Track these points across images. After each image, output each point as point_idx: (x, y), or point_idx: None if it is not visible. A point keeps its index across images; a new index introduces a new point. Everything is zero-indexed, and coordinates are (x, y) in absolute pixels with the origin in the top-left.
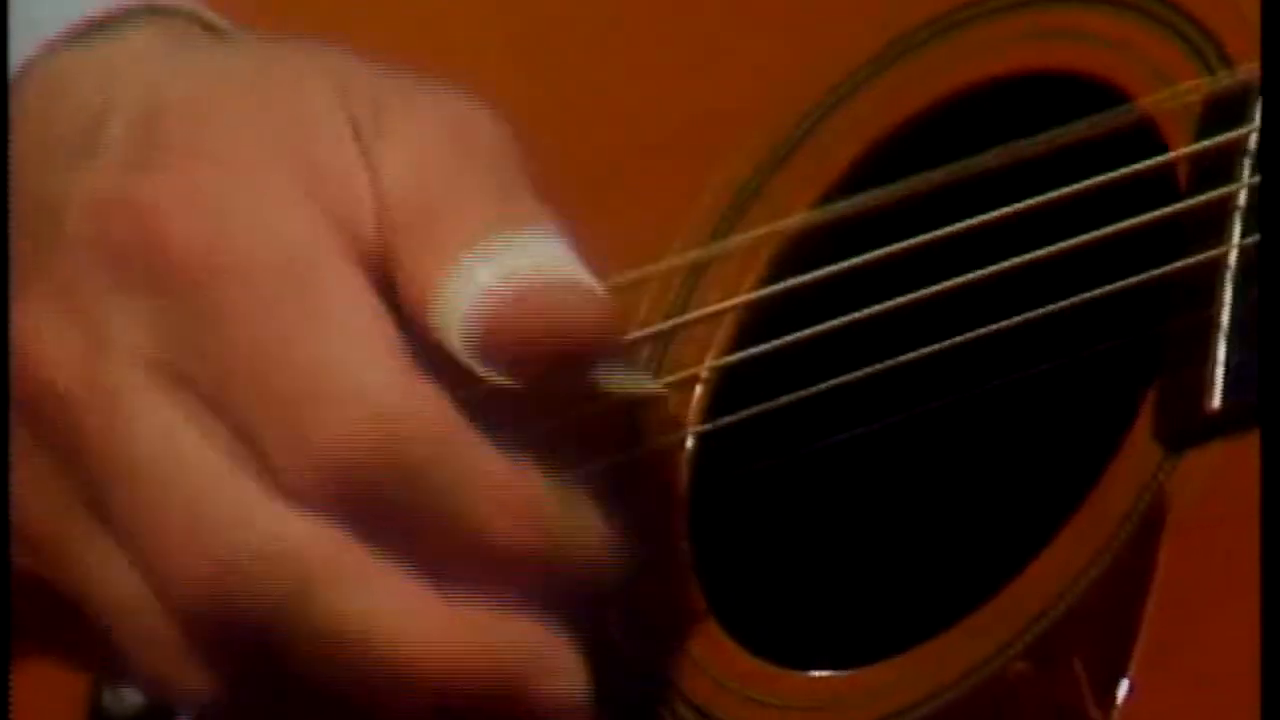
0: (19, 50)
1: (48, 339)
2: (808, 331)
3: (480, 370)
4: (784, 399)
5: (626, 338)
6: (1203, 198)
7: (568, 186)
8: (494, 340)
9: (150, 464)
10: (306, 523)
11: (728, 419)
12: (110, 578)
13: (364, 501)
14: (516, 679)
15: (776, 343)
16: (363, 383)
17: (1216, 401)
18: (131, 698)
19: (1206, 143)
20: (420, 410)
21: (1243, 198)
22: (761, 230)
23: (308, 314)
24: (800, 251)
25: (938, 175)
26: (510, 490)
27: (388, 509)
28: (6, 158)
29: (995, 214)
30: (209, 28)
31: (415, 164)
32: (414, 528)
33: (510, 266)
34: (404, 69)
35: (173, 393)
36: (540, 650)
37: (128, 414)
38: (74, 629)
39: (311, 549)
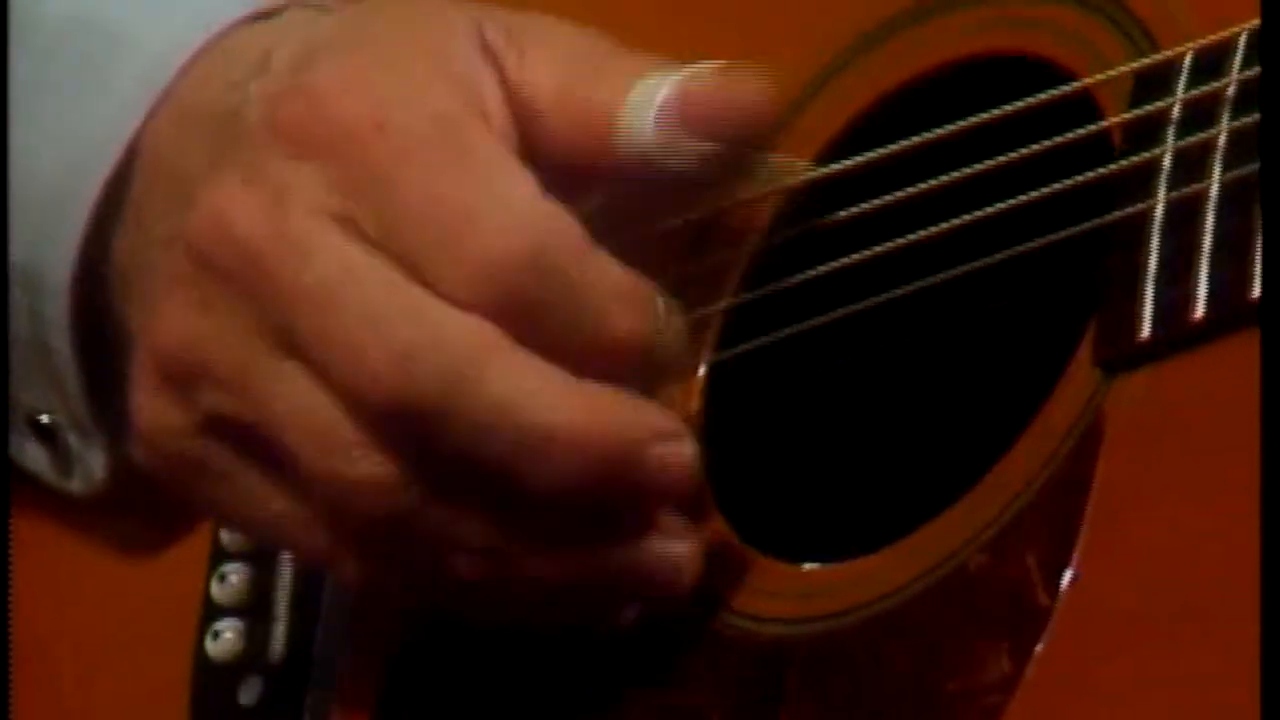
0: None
1: (236, 205)
2: (804, 275)
3: (668, 160)
4: (785, 330)
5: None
6: (1133, 159)
7: None
8: (691, 120)
9: (333, 288)
10: (465, 318)
11: (739, 349)
12: (299, 396)
13: (512, 301)
14: (635, 445)
15: (782, 286)
16: (508, 205)
17: (1145, 332)
18: (230, 643)
19: (1136, 112)
20: (555, 226)
21: (1167, 159)
22: (765, 190)
23: (456, 160)
24: (800, 202)
25: (916, 140)
26: (628, 289)
27: (532, 307)
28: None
29: (962, 173)
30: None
31: (560, 68)
32: (553, 323)
33: (682, 80)
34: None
35: (346, 232)
36: (653, 422)
37: (310, 251)
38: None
39: (470, 338)
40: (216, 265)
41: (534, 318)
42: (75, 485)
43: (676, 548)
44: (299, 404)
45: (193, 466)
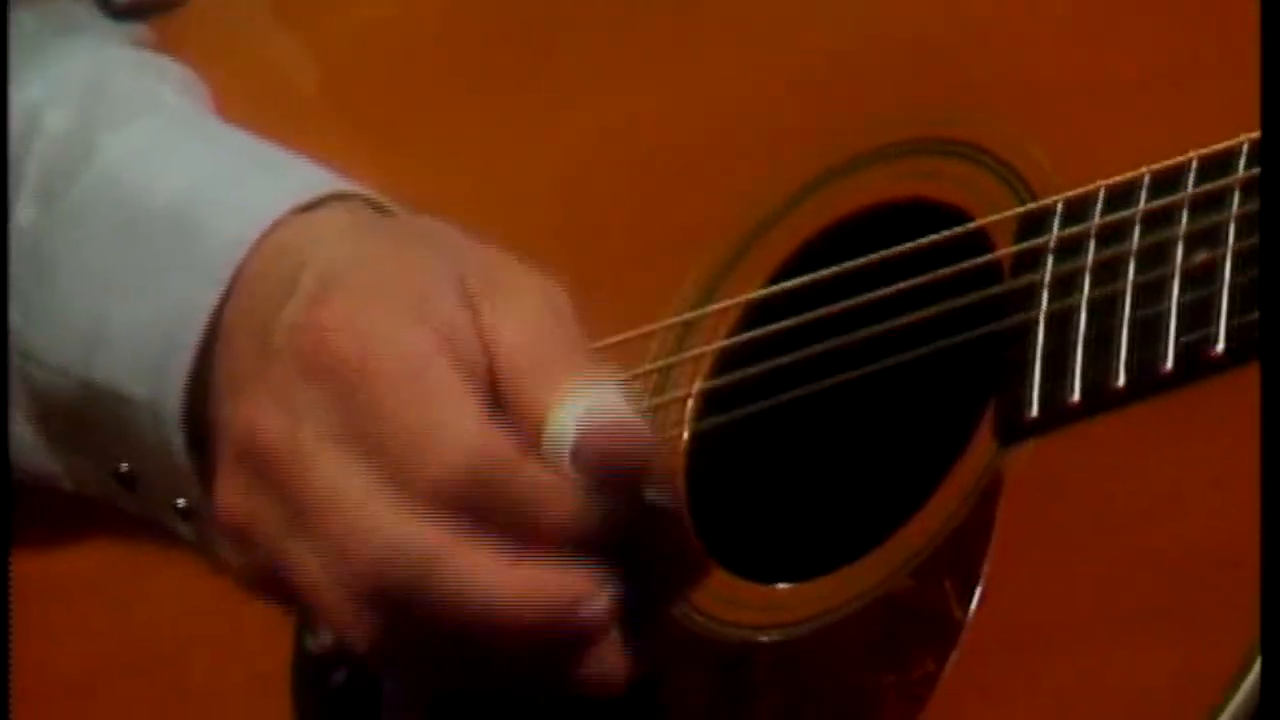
0: None
1: (263, 418)
2: (767, 365)
3: (581, 476)
4: (753, 407)
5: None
6: (1019, 280)
7: (592, 283)
8: (597, 453)
9: (327, 496)
10: (422, 527)
11: (714, 420)
12: (306, 568)
13: (461, 506)
14: (566, 607)
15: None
16: (453, 433)
17: (1033, 413)
18: (324, 638)
19: (1019, 247)
20: (490, 447)
21: (1046, 280)
22: (729, 301)
23: (418, 394)
24: (755, 314)
25: (851, 265)
26: (553, 485)
27: (478, 509)
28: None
29: (889, 290)
30: (377, 207)
31: (527, 325)
32: (497, 518)
33: (598, 403)
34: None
35: (340, 451)
36: (581, 587)
37: (313, 466)
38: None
39: (426, 543)
40: (249, 462)
41: (481, 515)
42: (216, 549)
43: (606, 667)
44: (308, 576)
45: (262, 591)
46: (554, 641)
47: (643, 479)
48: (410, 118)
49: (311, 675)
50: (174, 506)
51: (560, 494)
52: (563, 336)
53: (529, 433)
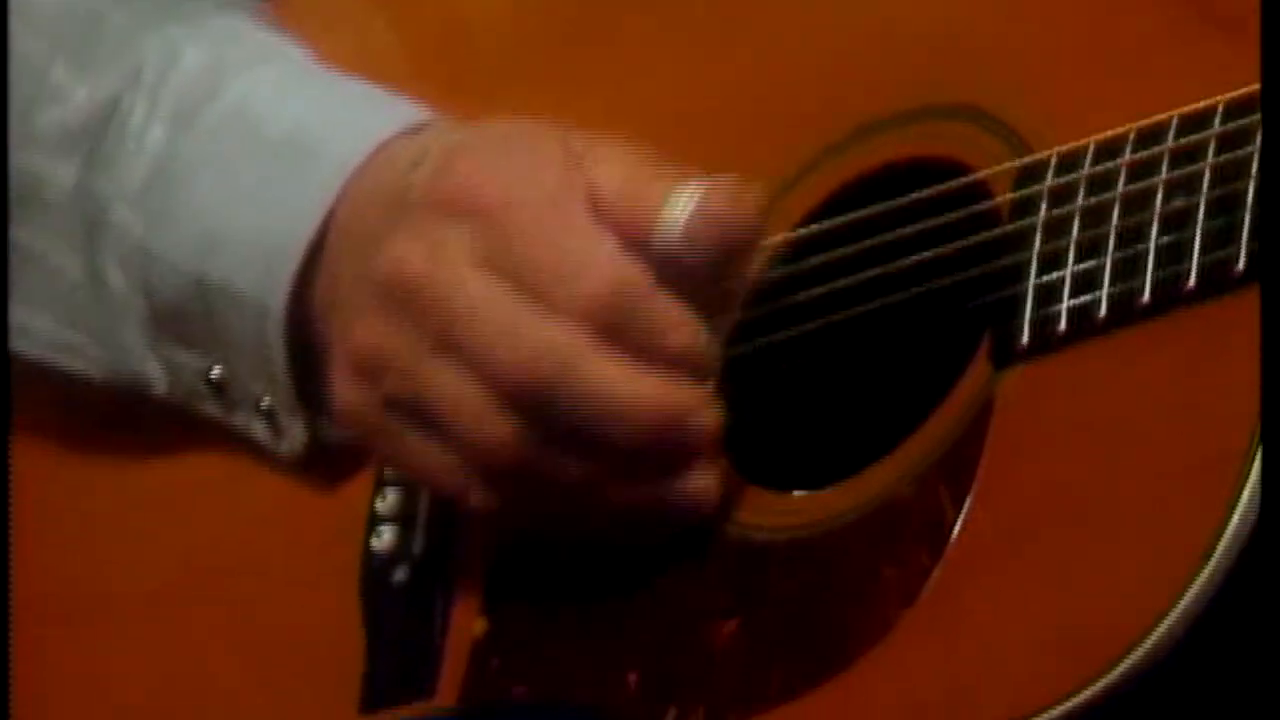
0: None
1: (408, 252)
2: (792, 299)
3: (683, 270)
4: (781, 335)
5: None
6: (1013, 226)
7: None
8: (712, 219)
9: (476, 306)
10: (569, 327)
11: (745, 347)
12: (451, 382)
13: (601, 319)
14: (680, 413)
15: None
16: (597, 257)
17: (1024, 341)
18: (387, 538)
19: (1017, 194)
20: (628, 273)
21: (1039, 226)
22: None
23: (561, 225)
24: (783, 257)
25: (865, 213)
26: (677, 317)
27: (615, 324)
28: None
29: (896, 234)
30: None
31: (622, 166)
32: (629, 335)
33: (696, 193)
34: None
35: (485, 270)
36: (692, 400)
37: (459, 283)
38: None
39: (572, 341)
40: (395, 294)
41: (617, 330)
42: (284, 450)
43: (703, 481)
44: (452, 387)
45: (375, 430)
46: (667, 446)
47: (749, 242)
48: (485, 90)
49: (377, 574)
50: (257, 406)
51: (684, 321)
52: (654, 168)
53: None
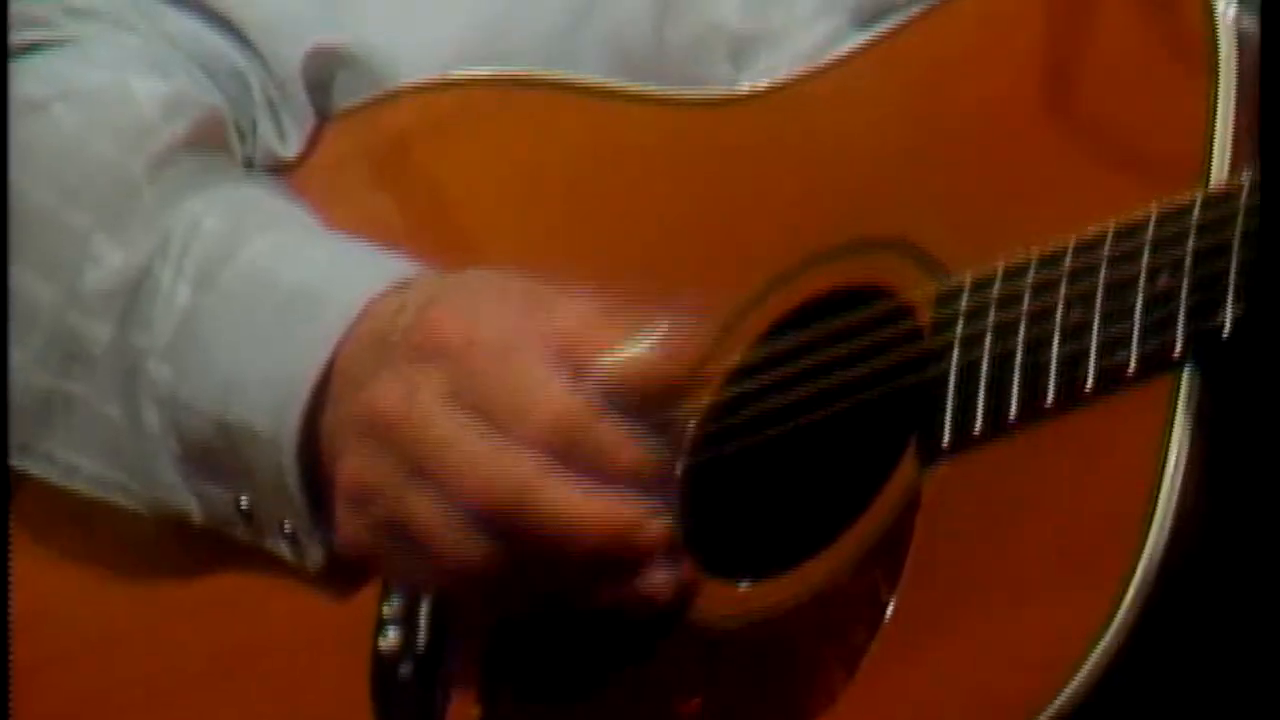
0: None
1: (384, 392)
2: (748, 413)
3: (626, 400)
4: (732, 445)
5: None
6: (934, 341)
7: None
8: (652, 371)
9: (446, 440)
10: (527, 454)
11: (703, 457)
12: (423, 508)
13: (552, 446)
14: (631, 529)
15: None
16: (546, 392)
17: (946, 440)
18: (393, 638)
19: (937, 313)
20: (574, 403)
21: (957, 340)
22: (714, 368)
23: (514, 364)
24: (737, 376)
25: (806, 334)
26: (622, 439)
27: (565, 449)
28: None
29: (835, 352)
30: None
31: (586, 314)
32: (579, 458)
33: (640, 344)
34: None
35: (453, 406)
36: (641, 516)
37: (430, 419)
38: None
39: (530, 466)
40: (376, 430)
41: (568, 455)
42: (308, 565)
43: (659, 581)
44: (428, 513)
45: (368, 548)
46: (619, 556)
47: (680, 393)
48: (466, 247)
49: (384, 670)
50: (281, 530)
51: (628, 442)
52: (608, 316)
53: (598, 377)
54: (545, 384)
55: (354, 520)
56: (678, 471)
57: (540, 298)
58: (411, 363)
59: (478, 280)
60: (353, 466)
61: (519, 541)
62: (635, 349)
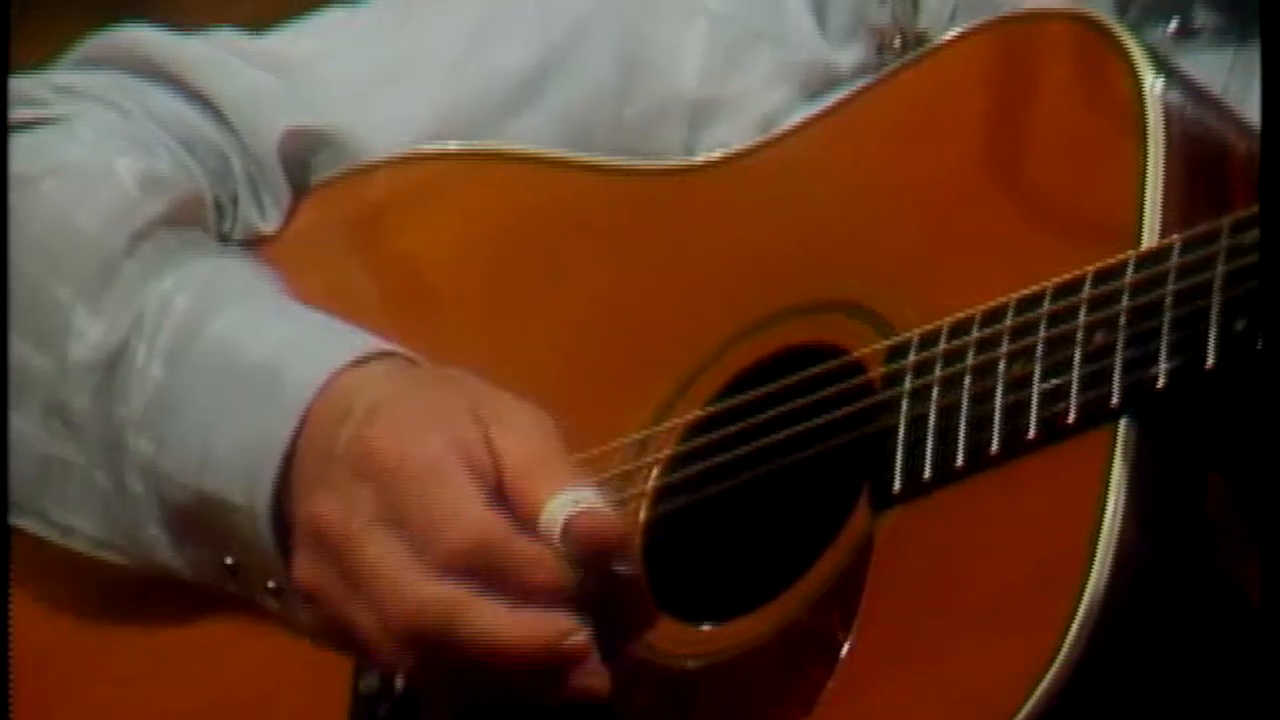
0: None
1: (326, 509)
2: (703, 465)
3: (567, 553)
4: (691, 496)
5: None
6: (884, 395)
7: (575, 412)
8: (580, 537)
9: (374, 565)
10: (444, 585)
11: (666, 507)
12: (361, 621)
13: (470, 571)
14: (555, 642)
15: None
16: (464, 518)
17: (897, 488)
18: (372, 682)
19: (887, 369)
20: (492, 529)
21: (905, 394)
22: (676, 421)
23: (437, 488)
24: (695, 431)
25: (764, 390)
26: (540, 557)
27: (483, 573)
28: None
29: (790, 406)
30: (410, 362)
31: (523, 440)
32: (499, 579)
33: (579, 498)
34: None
35: (382, 530)
36: (564, 627)
37: (363, 543)
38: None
39: (449, 597)
40: (320, 541)
41: (487, 575)
42: (300, 618)
43: (589, 682)
44: (368, 625)
45: (325, 634)
46: (548, 666)
47: (613, 554)
48: (439, 316)
49: (363, 711)
50: (266, 587)
51: (544, 560)
52: (551, 449)
53: (527, 519)
54: (461, 507)
55: (308, 611)
56: (641, 519)
57: (489, 417)
58: (349, 481)
59: (423, 391)
60: (303, 567)
61: (448, 659)
62: (569, 512)
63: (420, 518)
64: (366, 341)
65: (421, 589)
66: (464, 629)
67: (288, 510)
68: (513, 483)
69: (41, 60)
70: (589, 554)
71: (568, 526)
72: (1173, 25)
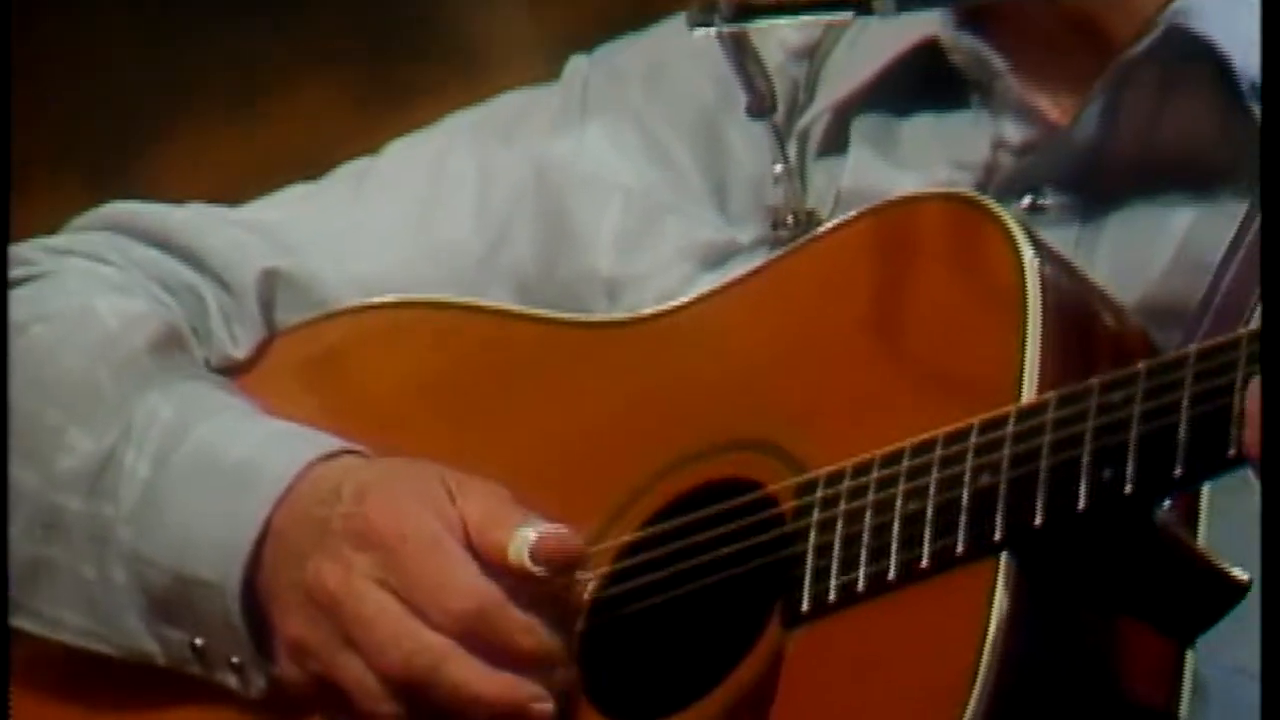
0: None
1: (326, 572)
2: (631, 584)
3: (535, 570)
4: (621, 611)
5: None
6: (793, 526)
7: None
8: (544, 554)
9: (374, 618)
10: (439, 638)
11: (599, 620)
12: (353, 670)
13: (463, 630)
14: (527, 703)
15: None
16: (462, 582)
17: (805, 607)
18: None
19: (797, 502)
20: (486, 593)
21: (812, 526)
22: (611, 542)
23: (436, 556)
24: (628, 551)
25: (687, 519)
26: (526, 625)
27: (474, 633)
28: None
29: (710, 534)
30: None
31: (480, 502)
32: (487, 640)
33: (534, 529)
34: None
35: (382, 589)
36: (536, 692)
37: (363, 597)
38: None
39: (441, 648)
40: (317, 600)
41: (477, 636)
42: (253, 693)
43: None
44: (355, 675)
45: (305, 690)
46: None
47: (577, 564)
48: (392, 449)
49: None
50: (230, 663)
51: (530, 627)
52: (503, 502)
53: (499, 563)
54: (460, 575)
55: (294, 668)
56: (579, 629)
57: (452, 493)
58: (351, 549)
59: (400, 473)
60: (296, 626)
61: (430, 707)
62: (529, 542)
63: (424, 583)
64: (333, 441)
65: (419, 635)
66: (450, 677)
67: (260, 585)
68: (478, 538)
69: (38, 232)
70: (559, 566)
71: (534, 550)
72: (1025, 202)
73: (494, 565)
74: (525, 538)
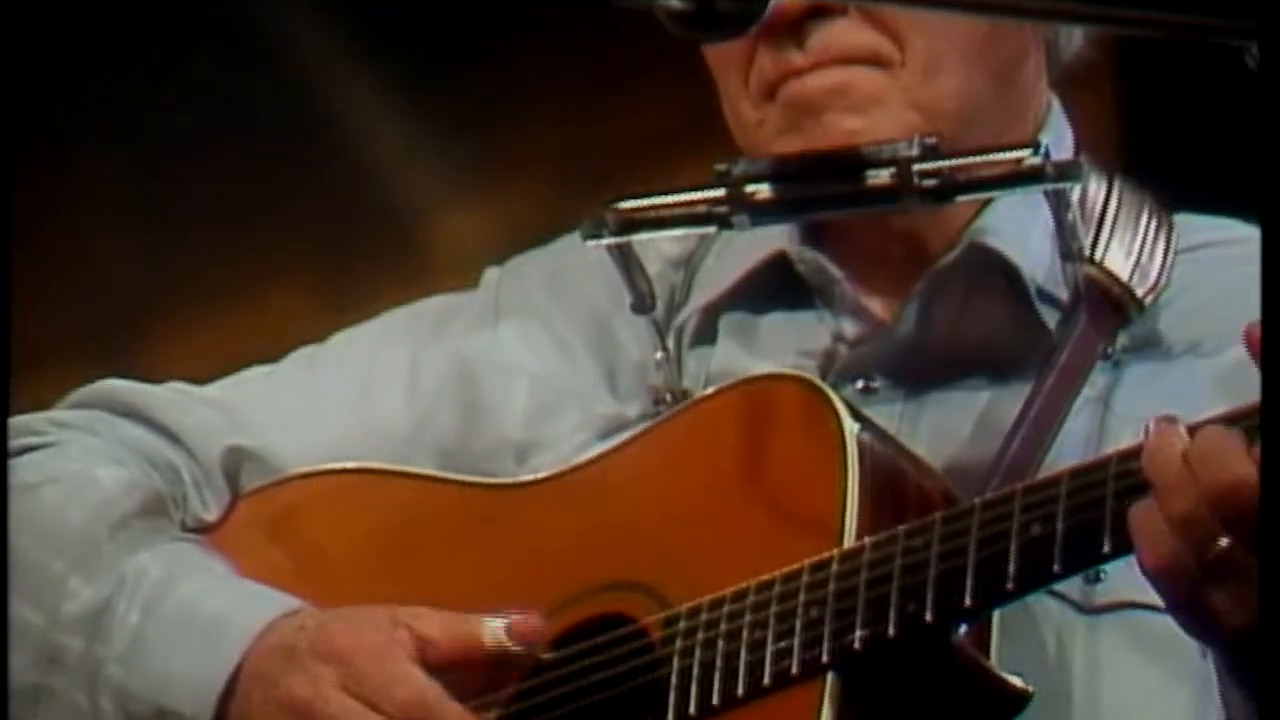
0: None
1: (298, 684)
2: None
3: (515, 648)
4: None
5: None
6: (660, 653)
7: None
8: (518, 631)
9: (337, 714)
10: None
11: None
12: None
13: (406, 715)
14: None
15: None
16: (411, 685)
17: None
18: None
19: (664, 633)
20: (428, 694)
21: (677, 652)
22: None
23: (386, 667)
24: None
25: (569, 650)
26: (462, 713)
27: (418, 717)
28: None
29: (587, 662)
30: None
31: (440, 617)
32: None
33: (498, 620)
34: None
35: (343, 692)
36: None
37: (329, 699)
38: None
39: None
40: (291, 708)
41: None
42: None
43: None
44: None
45: None
46: None
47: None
48: (340, 591)
49: None
50: None
51: (463, 716)
52: (455, 615)
53: (477, 649)
54: (405, 676)
55: None
56: None
57: (399, 617)
58: (318, 663)
59: (354, 610)
60: None
61: None
62: (500, 625)
63: (377, 680)
64: (295, 601)
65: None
66: None
67: (233, 713)
68: (451, 643)
69: (42, 404)
70: (531, 641)
71: (510, 630)
72: (859, 384)
73: (475, 653)
74: (496, 625)
